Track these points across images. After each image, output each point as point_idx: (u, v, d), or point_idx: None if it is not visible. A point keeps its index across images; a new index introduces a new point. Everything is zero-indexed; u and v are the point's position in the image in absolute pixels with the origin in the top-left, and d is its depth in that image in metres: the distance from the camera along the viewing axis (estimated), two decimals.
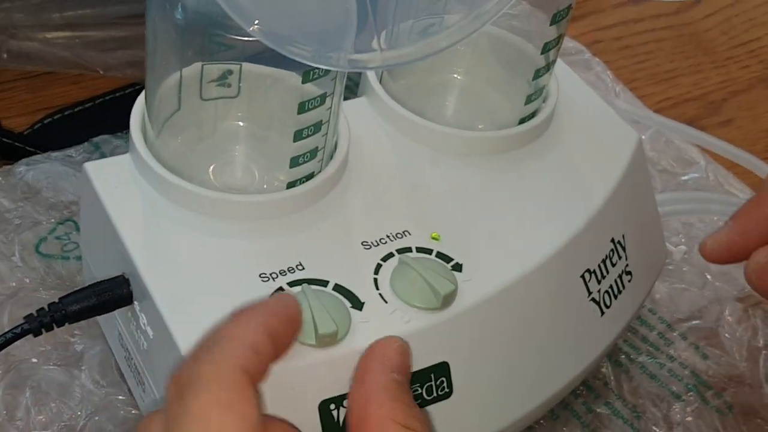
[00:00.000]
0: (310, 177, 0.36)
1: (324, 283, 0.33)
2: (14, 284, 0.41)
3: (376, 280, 0.33)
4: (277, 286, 0.32)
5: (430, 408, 0.33)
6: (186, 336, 0.31)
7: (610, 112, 0.44)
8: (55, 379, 0.38)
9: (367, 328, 0.32)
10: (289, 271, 0.33)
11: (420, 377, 0.33)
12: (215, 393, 0.26)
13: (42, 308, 0.33)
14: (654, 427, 0.42)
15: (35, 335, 0.33)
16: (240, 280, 0.33)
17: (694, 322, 0.47)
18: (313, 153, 0.35)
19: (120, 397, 0.39)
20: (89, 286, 0.34)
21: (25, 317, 0.33)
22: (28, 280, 0.41)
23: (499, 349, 0.35)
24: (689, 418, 0.42)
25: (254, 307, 0.30)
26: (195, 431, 0.26)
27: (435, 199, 0.37)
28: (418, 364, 0.33)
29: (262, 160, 0.37)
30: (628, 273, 0.40)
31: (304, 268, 0.33)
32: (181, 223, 0.34)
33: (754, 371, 0.45)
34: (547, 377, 0.37)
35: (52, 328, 0.33)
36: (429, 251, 0.35)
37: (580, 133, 0.42)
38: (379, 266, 0.34)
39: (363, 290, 0.33)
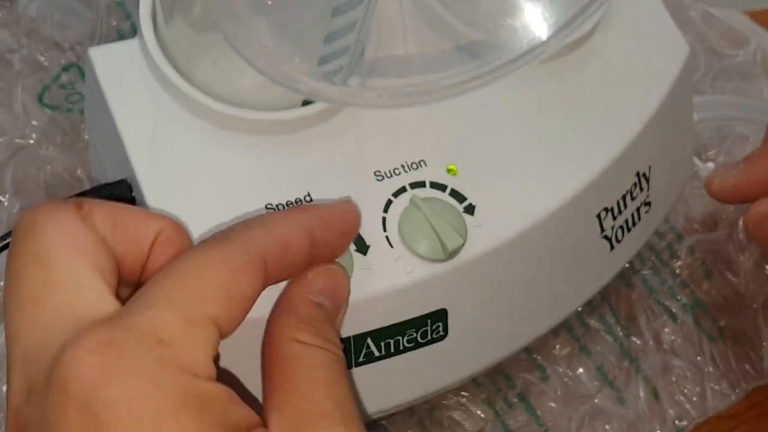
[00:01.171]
0: None
1: None
2: (17, 140, 0.40)
3: (384, 219, 0.32)
4: None
5: (423, 349, 0.33)
6: None
7: (665, 17, 0.40)
8: None
9: (369, 276, 0.31)
10: (296, 203, 0.32)
11: (416, 323, 0.33)
12: (224, 251, 0.26)
13: None
14: (642, 348, 0.42)
15: None
16: (245, 209, 0.31)
17: (705, 234, 0.46)
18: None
19: None
20: (90, 190, 0.33)
21: None
22: (33, 135, 0.40)
23: (500, 295, 0.34)
24: (678, 341, 0.43)
25: (304, 207, 0.30)
26: (181, 269, 0.25)
27: (457, 120, 0.35)
28: (416, 311, 0.32)
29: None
30: (647, 204, 0.39)
31: (311, 201, 0.32)
32: (188, 131, 0.32)
33: (754, 294, 0.45)
34: (545, 314, 0.37)
35: None
36: (443, 187, 0.33)
37: (625, 44, 0.38)
38: (389, 203, 0.33)
39: (370, 230, 0.32)
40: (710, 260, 0.45)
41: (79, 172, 0.40)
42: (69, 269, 0.25)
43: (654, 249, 0.45)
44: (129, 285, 0.28)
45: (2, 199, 0.39)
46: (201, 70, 0.33)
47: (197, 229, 0.31)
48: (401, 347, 0.33)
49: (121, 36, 0.44)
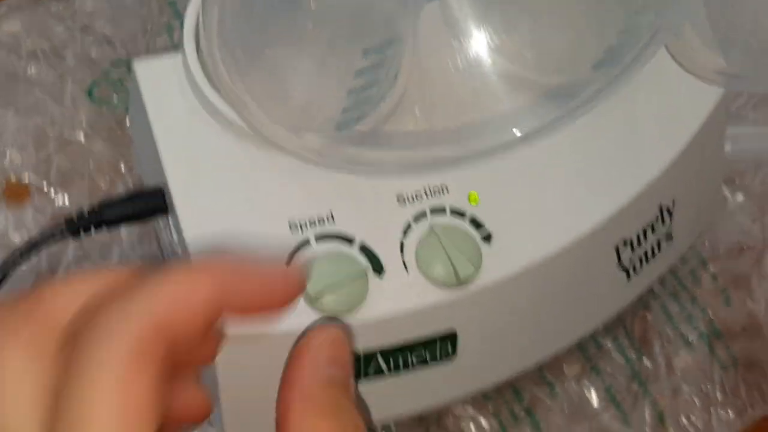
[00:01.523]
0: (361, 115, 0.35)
1: (350, 240, 0.33)
2: (65, 133, 0.42)
3: (402, 243, 0.34)
4: (305, 238, 0.33)
5: (431, 367, 0.35)
6: None
7: None
8: (96, 240, 0.41)
9: (383, 297, 0.33)
10: (319, 222, 0.33)
11: (426, 343, 0.34)
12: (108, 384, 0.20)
13: (81, 212, 0.34)
14: (653, 371, 0.43)
15: (73, 237, 0.34)
16: (269, 224, 0.33)
17: (730, 262, 0.46)
18: (368, 99, 0.34)
19: None
20: (128, 196, 0.35)
21: (66, 219, 0.34)
22: (81, 129, 0.42)
23: (510, 320, 0.35)
24: (690, 367, 0.44)
25: (217, 262, 0.24)
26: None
27: None
28: (427, 332, 0.34)
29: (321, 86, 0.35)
30: (669, 236, 0.40)
31: (334, 221, 0.33)
32: (221, 146, 0.34)
33: None
34: (555, 338, 0.38)
35: (90, 232, 0.34)
36: (463, 215, 0.34)
37: (660, 78, 0.39)
38: (408, 227, 0.34)
39: (387, 253, 0.33)
40: (732, 288, 0.46)
41: (122, 166, 0.42)
42: None
43: (677, 274, 0.46)
44: None
45: (47, 191, 0.41)
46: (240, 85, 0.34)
47: (224, 239, 0.32)
48: (410, 364, 0.34)
49: (171, 33, 0.45)
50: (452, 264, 0.33)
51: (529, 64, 0.36)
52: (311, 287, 0.32)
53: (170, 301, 0.22)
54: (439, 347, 0.34)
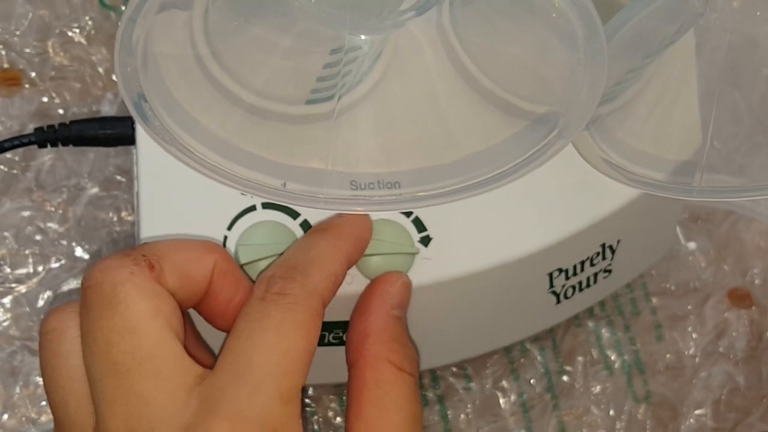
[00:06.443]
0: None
1: (295, 215, 0.35)
2: (68, 32, 0.43)
3: None
4: (252, 204, 0.34)
5: (334, 349, 0.36)
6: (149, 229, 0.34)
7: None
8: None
9: None
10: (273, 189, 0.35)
11: (339, 326, 0.36)
12: (298, 316, 0.29)
13: (52, 125, 0.36)
14: (568, 387, 0.45)
15: (39, 147, 0.36)
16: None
17: (672, 300, 0.47)
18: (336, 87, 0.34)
19: None
20: (99, 119, 0.36)
21: (36, 129, 0.36)
22: (85, 30, 0.43)
23: (430, 320, 0.37)
24: (605, 392, 0.45)
25: (339, 231, 0.33)
26: (269, 342, 0.28)
27: None
28: (348, 316, 0.35)
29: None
30: (607, 271, 0.41)
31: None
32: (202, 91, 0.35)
33: (695, 371, 0.46)
34: (477, 344, 0.39)
35: (57, 146, 0.36)
36: (408, 213, 0.36)
37: None
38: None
39: None
40: (667, 326, 0.47)
41: (113, 76, 0.43)
42: (153, 339, 0.28)
43: (618, 300, 0.47)
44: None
45: (39, 84, 0.42)
46: (221, 47, 0.35)
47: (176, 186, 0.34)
48: (326, 341, 0.36)
49: None
50: (384, 261, 0.34)
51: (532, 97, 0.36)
52: (245, 254, 0.34)
53: (329, 279, 0.31)
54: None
